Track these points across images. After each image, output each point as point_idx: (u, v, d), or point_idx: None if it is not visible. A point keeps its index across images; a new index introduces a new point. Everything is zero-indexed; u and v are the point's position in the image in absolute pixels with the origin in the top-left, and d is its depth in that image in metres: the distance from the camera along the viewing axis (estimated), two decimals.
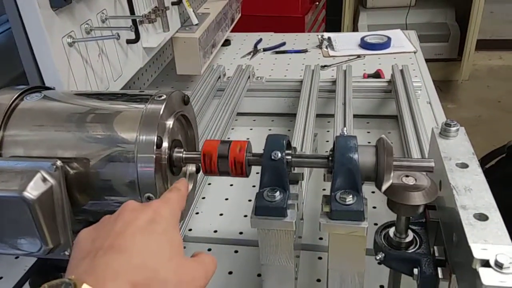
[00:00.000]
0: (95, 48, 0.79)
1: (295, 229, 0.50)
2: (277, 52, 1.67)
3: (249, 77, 1.18)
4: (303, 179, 0.58)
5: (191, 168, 0.59)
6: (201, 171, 0.56)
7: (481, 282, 0.39)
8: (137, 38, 0.89)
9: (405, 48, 1.62)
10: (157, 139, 0.48)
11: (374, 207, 0.86)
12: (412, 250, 0.56)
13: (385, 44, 1.62)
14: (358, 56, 1.58)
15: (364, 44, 1.64)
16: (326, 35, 1.74)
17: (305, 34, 1.87)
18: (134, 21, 0.88)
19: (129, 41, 0.90)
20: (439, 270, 0.51)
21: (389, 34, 1.67)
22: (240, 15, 1.81)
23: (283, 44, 1.73)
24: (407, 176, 0.53)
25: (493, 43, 3.95)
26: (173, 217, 0.43)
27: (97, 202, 0.50)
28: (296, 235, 0.55)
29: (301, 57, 1.64)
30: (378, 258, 0.56)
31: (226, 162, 0.52)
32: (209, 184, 0.98)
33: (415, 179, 0.53)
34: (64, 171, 0.47)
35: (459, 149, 0.59)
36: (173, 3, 1.13)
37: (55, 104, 0.53)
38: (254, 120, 1.25)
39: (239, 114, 1.24)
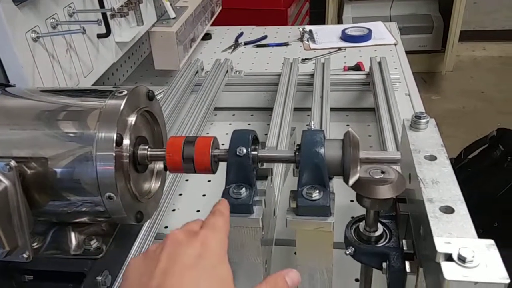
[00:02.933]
0: (63, 43, 0.77)
1: (261, 226, 0.49)
2: (258, 46, 1.66)
3: (227, 71, 1.16)
4: (272, 175, 0.57)
5: (159, 165, 0.58)
6: None
7: (444, 277, 0.38)
8: (108, 33, 0.87)
9: (385, 40, 1.62)
10: (116, 136, 0.46)
11: (352, 201, 0.85)
12: (382, 244, 0.55)
13: (366, 37, 1.61)
14: (339, 48, 1.57)
15: (345, 37, 1.63)
16: (308, 28, 1.73)
17: (287, 27, 1.86)
18: (104, 15, 0.86)
19: (100, 36, 0.88)
20: (407, 263, 0.51)
21: (370, 26, 1.67)
22: (220, 8, 1.80)
23: (265, 37, 1.72)
24: (375, 169, 0.53)
25: (477, 34, 3.97)
26: (221, 249, 0.41)
27: (57, 202, 0.49)
28: (265, 231, 0.54)
29: (282, 50, 1.63)
30: (348, 252, 0.55)
31: (191, 159, 0.51)
32: (187, 180, 0.97)
33: (383, 173, 0.52)
34: (21, 172, 0.45)
35: (428, 141, 0.58)
36: None
37: (12, 102, 0.51)
38: (233, 115, 1.24)
39: (218, 108, 1.22)
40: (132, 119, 0.50)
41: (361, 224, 0.57)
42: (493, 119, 2.85)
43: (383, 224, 0.58)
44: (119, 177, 0.47)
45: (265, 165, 0.57)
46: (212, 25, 1.75)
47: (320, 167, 0.49)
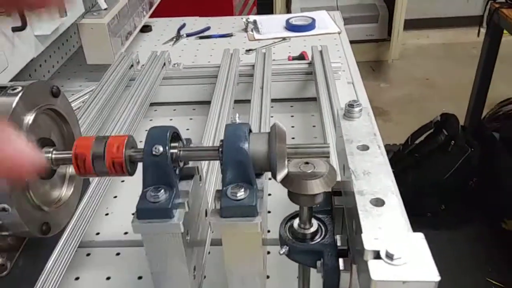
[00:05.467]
0: None
1: (183, 231, 0.45)
2: (201, 38, 1.61)
3: (164, 64, 1.10)
4: (198, 173, 0.52)
5: (72, 170, 0.52)
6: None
7: (370, 277, 0.36)
8: (23, 25, 0.79)
9: (329, 29, 1.60)
10: None
11: None
12: (317, 241, 0.53)
13: (310, 26, 1.60)
14: (283, 38, 1.54)
15: (290, 26, 1.61)
16: (252, 18, 1.69)
17: (231, 17, 1.81)
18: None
19: (14, 29, 0.80)
20: (341, 261, 0.48)
21: (313, 16, 1.65)
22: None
23: (208, 28, 1.67)
24: (306, 163, 0.50)
25: (421, 22, 4.08)
26: None
27: None
28: (191, 235, 0.50)
29: (226, 41, 1.58)
30: (282, 252, 0.52)
31: (102, 161, 0.46)
32: (122, 181, 0.91)
33: (314, 166, 0.49)
34: None
35: (361, 130, 0.56)
36: None
37: None
38: (174, 110, 1.19)
39: (157, 104, 1.17)
40: (29, 118, 0.44)
41: (295, 221, 0.54)
42: (438, 105, 2.94)
43: (318, 219, 0.55)
44: (13, 186, 0.41)
45: (192, 163, 0.53)
46: (153, 16, 1.68)
47: (244, 164, 0.46)
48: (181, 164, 0.49)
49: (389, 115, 3.00)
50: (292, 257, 0.52)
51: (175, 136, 0.48)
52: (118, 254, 0.75)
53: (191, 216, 0.50)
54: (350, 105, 0.58)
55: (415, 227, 0.35)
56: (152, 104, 1.10)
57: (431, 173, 2.12)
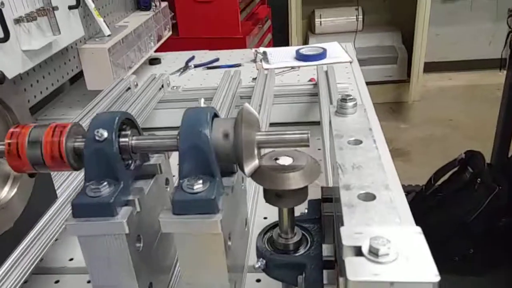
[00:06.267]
0: None
1: (127, 232, 0.37)
2: (208, 68, 1.58)
3: (162, 86, 1.06)
4: (160, 172, 0.45)
5: None
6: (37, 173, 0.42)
7: (346, 277, 0.27)
8: (6, 37, 0.76)
9: (341, 58, 1.55)
10: None
11: None
12: (301, 253, 0.43)
13: (321, 55, 1.55)
14: (292, 67, 1.49)
15: (300, 56, 1.56)
16: (262, 49, 1.66)
17: (241, 50, 1.79)
18: (1, 18, 0.75)
19: None
20: (325, 273, 0.39)
21: (325, 46, 1.61)
22: (170, 33, 1.72)
23: (216, 60, 1.64)
24: (284, 156, 0.41)
25: (442, 65, 4.02)
26: None
27: None
28: (145, 242, 0.41)
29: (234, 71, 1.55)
30: (257, 266, 0.43)
31: (38, 150, 0.39)
32: None
33: (293, 159, 0.41)
34: None
35: (355, 126, 0.48)
36: (70, 7, 1.01)
37: None
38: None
39: (154, 129, 1.11)
40: None
41: (275, 231, 0.45)
42: (462, 145, 2.80)
43: (304, 229, 0.46)
44: None
45: (154, 160, 0.45)
46: (163, 51, 1.68)
47: (204, 151, 0.38)
48: (135, 157, 0.42)
49: (409, 156, 2.88)
50: (270, 273, 0.43)
51: (128, 123, 0.41)
52: (56, 282, 0.68)
53: (149, 222, 0.42)
54: (343, 100, 0.50)
55: (442, 272, 0.26)
56: (147, 129, 1.05)
57: (457, 214, 1.97)
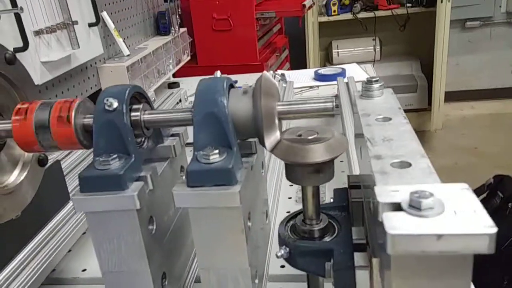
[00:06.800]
0: None
1: (139, 207, 0.34)
2: None
3: (180, 101, 1.05)
4: (175, 155, 0.42)
5: (26, 155, 0.44)
6: (47, 162, 0.40)
7: (386, 231, 0.23)
8: (25, 46, 0.77)
9: (360, 78, 1.53)
10: None
11: None
12: (328, 240, 0.39)
13: (339, 75, 1.53)
14: (311, 87, 1.48)
15: (318, 77, 1.55)
16: (280, 71, 1.65)
17: (260, 73, 1.78)
18: (20, 25, 0.76)
19: (16, 50, 0.77)
20: (356, 256, 0.34)
21: (343, 67, 1.59)
22: (189, 57, 1.73)
23: (235, 82, 1.63)
24: (308, 131, 0.38)
25: (463, 94, 3.97)
26: None
27: None
28: (159, 224, 0.38)
29: None
30: (279, 254, 0.39)
31: (46, 127, 0.37)
32: None
33: (317, 133, 0.38)
34: None
35: (382, 105, 0.44)
36: (90, 24, 1.02)
37: None
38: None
39: None
40: None
41: (299, 218, 0.41)
42: (489, 173, 2.71)
43: (331, 217, 0.42)
44: None
45: (168, 142, 0.43)
46: (182, 76, 1.69)
47: (220, 119, 0.35)
48: (148, 133, 0.39)
49: None
50: (293, 263, 0.39)
51: (139, 96, 0.39)
52: None
53: (163, 205, 0.39)
54: (369, 81, 0.47)
55: None
56: None
57: None
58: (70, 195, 0.58)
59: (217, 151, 0.34)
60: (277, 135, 0.36)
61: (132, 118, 0.37)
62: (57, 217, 0.56)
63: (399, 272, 0.23)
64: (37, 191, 0.49)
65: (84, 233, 0.74)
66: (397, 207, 0.25)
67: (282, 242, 0.39)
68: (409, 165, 0.32)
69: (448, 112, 3.73)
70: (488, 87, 3.95)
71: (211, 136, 0.35)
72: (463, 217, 0.23)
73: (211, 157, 0.34)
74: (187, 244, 0.45)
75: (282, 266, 0.59)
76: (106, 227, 0.35)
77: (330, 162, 0.36)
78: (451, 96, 3.63)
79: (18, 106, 0.38)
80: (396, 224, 0.23)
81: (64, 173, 0.61)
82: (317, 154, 0.35)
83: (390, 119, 0.41)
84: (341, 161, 0.96)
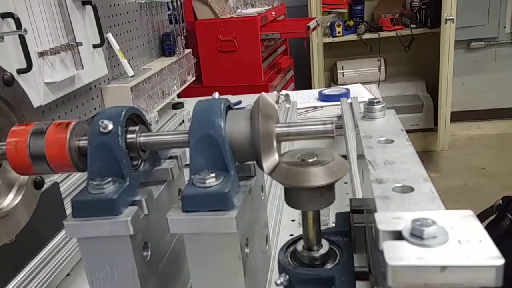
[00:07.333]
0: None
1: (132, 233, 0.33)
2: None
3: (183, 121, 1.04)
4: (172, 179, 0.41)
5: (22, 178, 0.43)
6: (44, 185, 0.39)
7: (385, 261, 0.21)
8: (29, 67, 0.77)
9: (364, 98, 1.52)
10: None
11: None
12: (330, 267, 0.38)
13: (343, 95, 1.52)
14: (315, 107, 1.47)
15: (323, 97, 1.55)
16: (284, 92, 1.66)
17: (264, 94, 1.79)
18: (24, 45, 0.77)
19: (20, 71, 0.77)
20: (358, 285, 0.33)
21: (348, 87, 1.59)
22: (194, 78, 1.74)
23: (239, 103, 1.64)
24: (308, 153, 0.37)
25: (469, 114, 3.95)
26: None
27: None
28: (154, 249, 0.37)
29: None
30: (278, 282, 0.37)
31: (41, 152, 0.36)
32: None
33: (317, 156, 0.37)
34: None
35: (385, 127, 0.44)
36: (95, 46, 1.03)
37: None
38: None
39: None
40: None
41: (300, 244, 0.40)
42: (497, 194, 2.67)
43: (332, 243, 0.40)
44: None
45: (166, 165, 0.42)
46: (186, 96, 1.70)
47: (217, 142, 0.34)
48: (144, 156, 0.38)
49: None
50: None
51: (136, 118, 0.38)
52: None
53: (158, 231, 0.38)
54: (370, 103, 0.46)
55: None
56: None
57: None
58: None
59: (213, 174, 0.33)
60: (275, 157, 0.35)
61: (128, 140, 0.36)
62: (55, 240, 0.55)
63: None
64: (34, 213, 0.48)
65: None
66: (398, 235, 0.24)
67: (281, 269, 0.38)
68: (412, 189, 0.31)
69: (455, 132, 3.71)
70: (494, 107, 3.93)
71: (208, 159, 0.34)
72: (468, 248, 0.22)
73: (207, 181, 0.33)
74: (184, 271, 0.44)
75: None
76: (99, 253, 0.33)
77: (331, 186, 0.35)
78: (458, 116, 3.62)
79: (14, 128, 0.37)
80: (397, 254, 0.22)
81: (63, 195, 0.61)
82: (317, 177, 0.34)
83: (392, 141, 0.40)
84: (345, 183, 0.95)
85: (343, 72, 3.46)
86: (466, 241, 0.22)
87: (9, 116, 0.43)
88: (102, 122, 0.35)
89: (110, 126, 0.35)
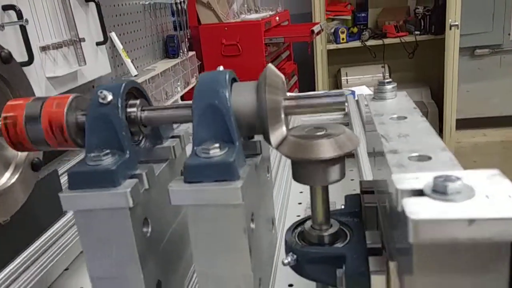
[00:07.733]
0: None
1: (131, 205, 0.31)
2: None
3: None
4: (175, 157, 0.39)
5: (20, 155, 0.41)
6: (41, 167, 0.38)
7: (405, 216, 0.20)
8: (30, 60, 0.76)
9: None
10: None
11: None
12: (340, 246, 0.36)
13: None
14: None
15: None
16: (288, 94, 1.64)
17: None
18: (26, 39, 0.76)
19: (21, 64, 0.76)
20: (371, 260, 0.31)
21: (354, 89, 1.58)
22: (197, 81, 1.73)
23: None
24: (317, 127, 0.36)
25: (475, 121, 3.93)
26: None
27: None
28: (154, 225, 0.35)
29: None
30: (286, 262, 0.35)
31: (38, 125, 0.35)
32: None
33: (326, 129, 0.35)
34: None
35: (396, 106, 0.42)
36: (98, 43, 1.02)
37: None
38: None
39: None
40: None
41: (307, 223, 0.38)
42: None
43: (342, 223, 0.39)
44: None
45: (168, 143, 0.40)
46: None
47: (221, 112, 0.33)
48: (145, 131, 0.37)
49: None
50: (301, 271, 0.35)
51: (136, 92, 0.37)
52: None
53: (159, 208, 0.36)
54: (381, 83, 0.45)
55: None
56: None
57: None
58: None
59: (217, 145, 0.31)
60: (283, 130, 0.34)
61: (129, 113, 0.35)
62: (52, 229, 0.54)
63: (422, 267, 0.20)
64: (32, 200, 0.46)
65: (82, 251, 0.70)
66: (419, 193, 0.22)
67: (289, 248, 0.36)
68: (429, 158, 0.29)
69: (460, 139, 3.68)
70: (500, 114, 3.90)
71: (212, 130, 0.33)
72: (497, 201, 0.20)
73: (211, 152, 0.31)
74: (186, 256, 0.42)
75: (290, 285, 0.55)
76: (97, 228, 0.32)
77: (340, 159, 0.33)
78: (463, 123, 3.59)
79: (9, 102, 0.36)
80: (419, 208, 0.20)
81: (62, 183, 0.59)
82: (326, 149, 0.32)
83: (405, 117, 0.38)
84: (351, 170, 0.93)
85: (347, 79, 3.45)
86: (494, 196, 0.20)
87: (6, 93, 0.41)
88: (101, 92, 0.33)
89: (110, 97, 0.33)
